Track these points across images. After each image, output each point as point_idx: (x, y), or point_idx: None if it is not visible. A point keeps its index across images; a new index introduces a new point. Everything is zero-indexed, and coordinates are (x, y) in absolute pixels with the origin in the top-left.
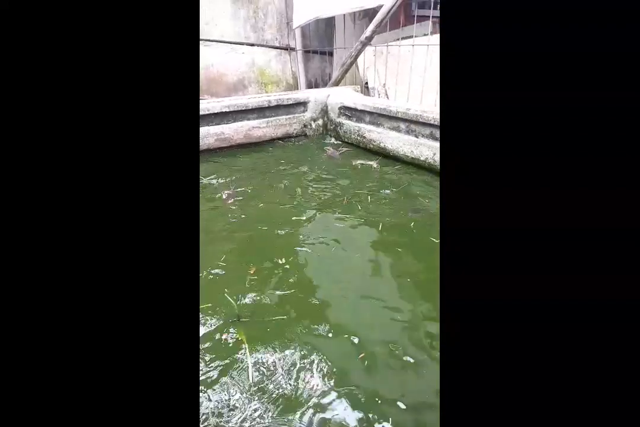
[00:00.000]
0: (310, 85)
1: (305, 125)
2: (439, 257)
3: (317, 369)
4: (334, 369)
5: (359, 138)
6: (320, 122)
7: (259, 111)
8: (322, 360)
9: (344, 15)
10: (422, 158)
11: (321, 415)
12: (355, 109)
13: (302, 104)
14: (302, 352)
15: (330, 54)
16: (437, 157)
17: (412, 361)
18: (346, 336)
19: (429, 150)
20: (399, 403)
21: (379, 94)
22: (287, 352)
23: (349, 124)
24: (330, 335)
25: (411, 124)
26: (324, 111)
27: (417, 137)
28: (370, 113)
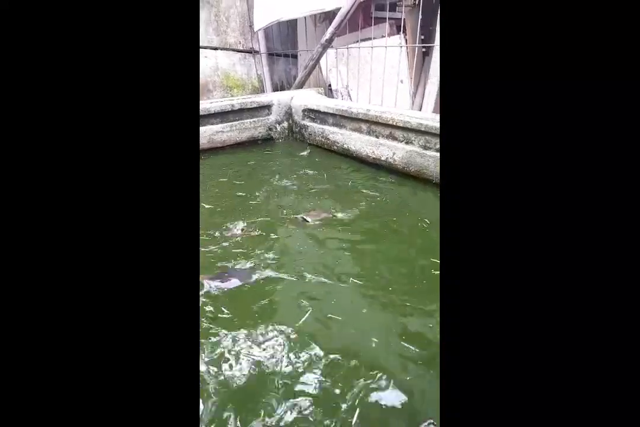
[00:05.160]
0: (276, 88)
1: (270, 128)
2: None
3: None
4: None
5: (323, 140)
6: (285, 124)
7: (223, 115)
8: None
9: (305, 18)
10: (382, 158)
11: None
12: (319, 111)
13: (266, 107)
14: None
15: (295, 56)
16: (397, 157)
17: None
18: None
19: (388, 150)
20: None
21: (342, 96)
22: None
23: (314, 126)
24: None
25: (372, 124)
26: (289, 114)
27: (378, 138)
28: (333, 115)
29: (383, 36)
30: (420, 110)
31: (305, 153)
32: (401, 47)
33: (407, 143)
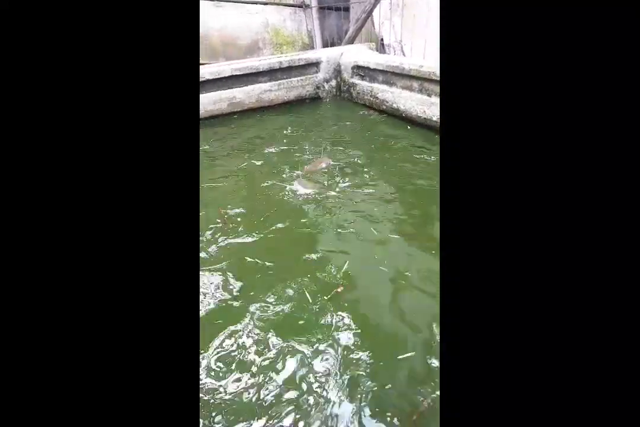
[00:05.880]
0: (326, 44)
1: (318, 87)
2: None
3: None
4: None
5: (371, 99)
6: (333, 83)
7: (271, 73)
8: None
9: None
10: (434, 118)
11: None
12: (369, 68)
13: (314, 65)
14: None
15: (347, 9)
16: None
17: None
18: None
19: None
20: None
21: (395, 51)
22: None
23: (362, 85)
24: None
25: (424, 82)
26: (337, 71)
27: (430, 96)
28: (384, 72)
29: None
30: None
31: (374, 116)
32: None
33: None
